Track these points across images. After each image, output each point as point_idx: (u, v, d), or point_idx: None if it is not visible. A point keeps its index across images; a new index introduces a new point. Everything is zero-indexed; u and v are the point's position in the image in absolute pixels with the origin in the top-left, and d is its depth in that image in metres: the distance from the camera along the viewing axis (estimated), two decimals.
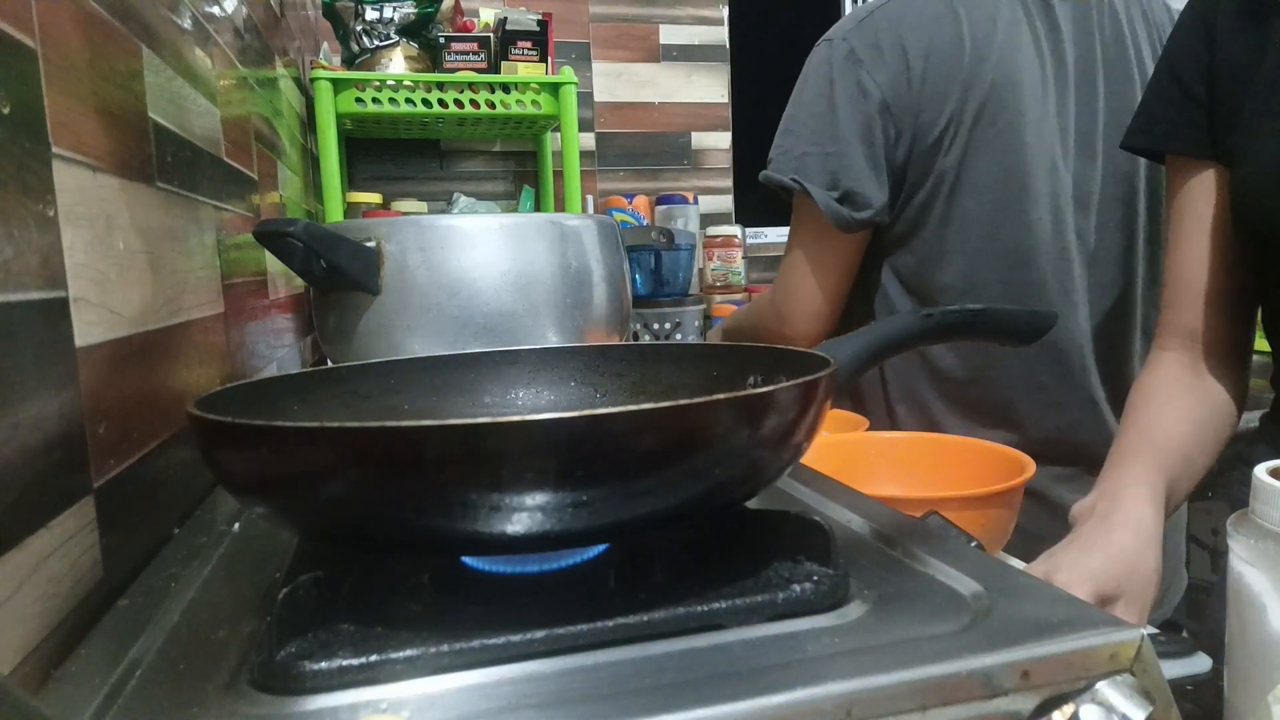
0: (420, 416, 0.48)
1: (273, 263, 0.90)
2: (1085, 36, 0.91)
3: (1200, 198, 0.70)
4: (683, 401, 0.29)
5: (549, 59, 1.54)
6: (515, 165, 1.88)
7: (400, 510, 0.30)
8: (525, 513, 0.29)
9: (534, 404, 0.53)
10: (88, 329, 0.40)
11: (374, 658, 0.29)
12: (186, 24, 0.63)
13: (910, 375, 0.94)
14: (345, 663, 0.28)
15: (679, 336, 1.58)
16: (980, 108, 0.86)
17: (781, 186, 0.91)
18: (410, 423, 0.28)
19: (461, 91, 1.46)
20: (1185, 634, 0.50)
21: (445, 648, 0.29)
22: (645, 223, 1.73)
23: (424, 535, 0.32)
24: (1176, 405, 0.69)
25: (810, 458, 0.57)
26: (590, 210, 1.84)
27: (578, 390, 0.53)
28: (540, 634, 0.30)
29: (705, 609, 0.32)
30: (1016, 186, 0.87)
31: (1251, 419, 1.73)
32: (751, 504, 0.39)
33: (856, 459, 0.73)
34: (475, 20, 1.62)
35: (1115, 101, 0.91)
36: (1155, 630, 0.58)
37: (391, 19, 1.50)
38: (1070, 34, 0.90)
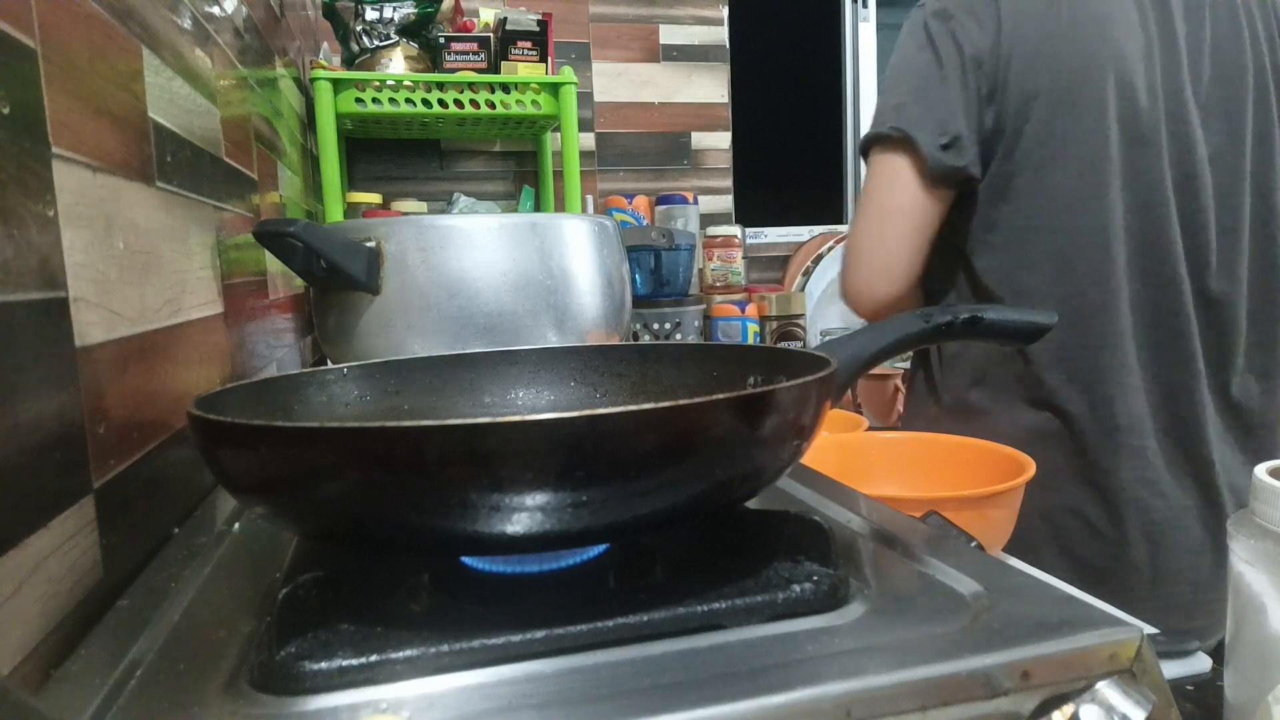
0: (420, 416, 0.49)
1: (273, 263, 0.90)
2: (1195, 13, 0.88)
3: None
4: (682, 401, 0.29)
5: (549, 59, 1.54)
6: (515, 165, 1.88)
7: (400, 510, 0.30)
8: (525, 513, 0.29)
9: (534, 404, 0.53)
10: (88, 329, 0.40)
11: (374, 658, 0.29)
12: (186, 24, 0.63)
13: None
14: (345, 663, 0.28)
15: (679, 336, 1.58)
16: (1073, 79, 0.83)
17: (879, 138, 0.88)
18: (410, 423, 0.28)
19: (461, 91, 1.46)
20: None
21: (445, 648, 0.29)
22: (645, 223, 1.73)
23: (424, 535, 0.32)
24: None
25: (810, 458, 0.57)
26: (590, 210, 1.84)
27: (578, 390, 0.53)
28: (540, 634, 0.30)
29: (705, 609, 0.32)
30: (1109, 166, 0.84)
31: None
32: (751, 504, 0.39)
33: (856, 459, 0.73)
34: (475, 20, 1.61)
35: (1220, 86, 0.87)
36: (1156, 630, 0.58)
37: (391, 19, 1.50)
38: (1180, 8, 0.88)
